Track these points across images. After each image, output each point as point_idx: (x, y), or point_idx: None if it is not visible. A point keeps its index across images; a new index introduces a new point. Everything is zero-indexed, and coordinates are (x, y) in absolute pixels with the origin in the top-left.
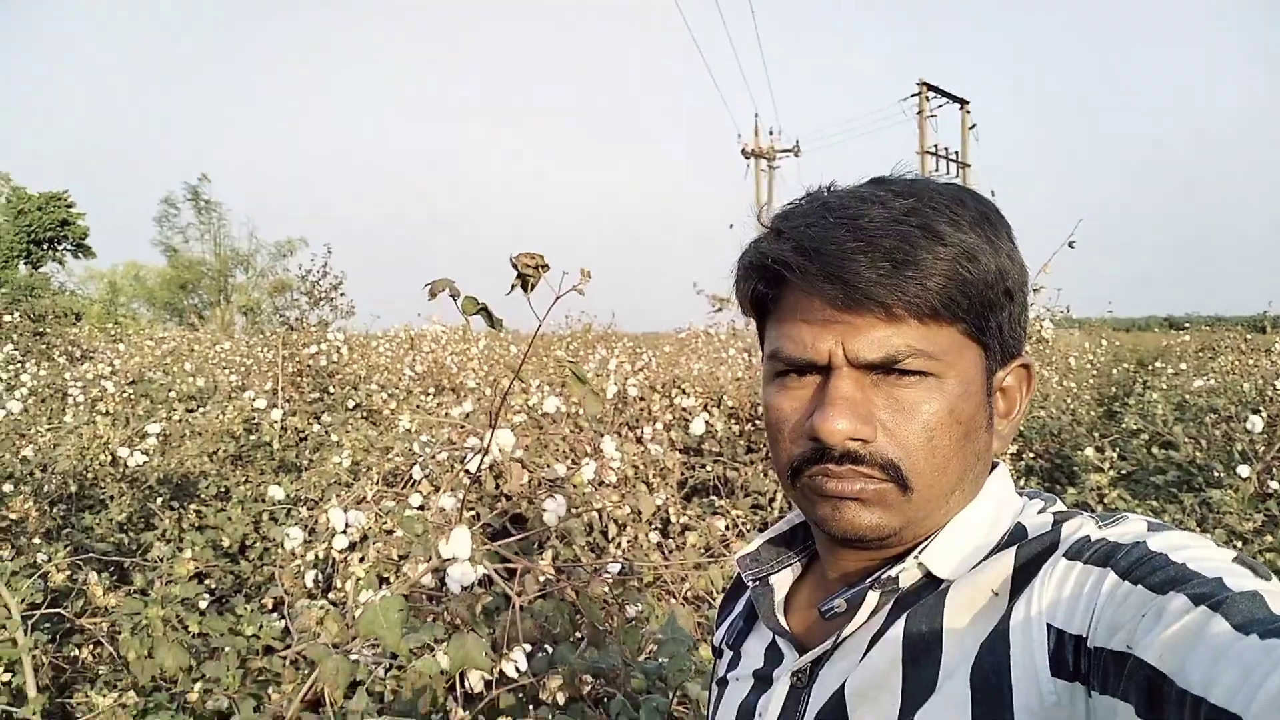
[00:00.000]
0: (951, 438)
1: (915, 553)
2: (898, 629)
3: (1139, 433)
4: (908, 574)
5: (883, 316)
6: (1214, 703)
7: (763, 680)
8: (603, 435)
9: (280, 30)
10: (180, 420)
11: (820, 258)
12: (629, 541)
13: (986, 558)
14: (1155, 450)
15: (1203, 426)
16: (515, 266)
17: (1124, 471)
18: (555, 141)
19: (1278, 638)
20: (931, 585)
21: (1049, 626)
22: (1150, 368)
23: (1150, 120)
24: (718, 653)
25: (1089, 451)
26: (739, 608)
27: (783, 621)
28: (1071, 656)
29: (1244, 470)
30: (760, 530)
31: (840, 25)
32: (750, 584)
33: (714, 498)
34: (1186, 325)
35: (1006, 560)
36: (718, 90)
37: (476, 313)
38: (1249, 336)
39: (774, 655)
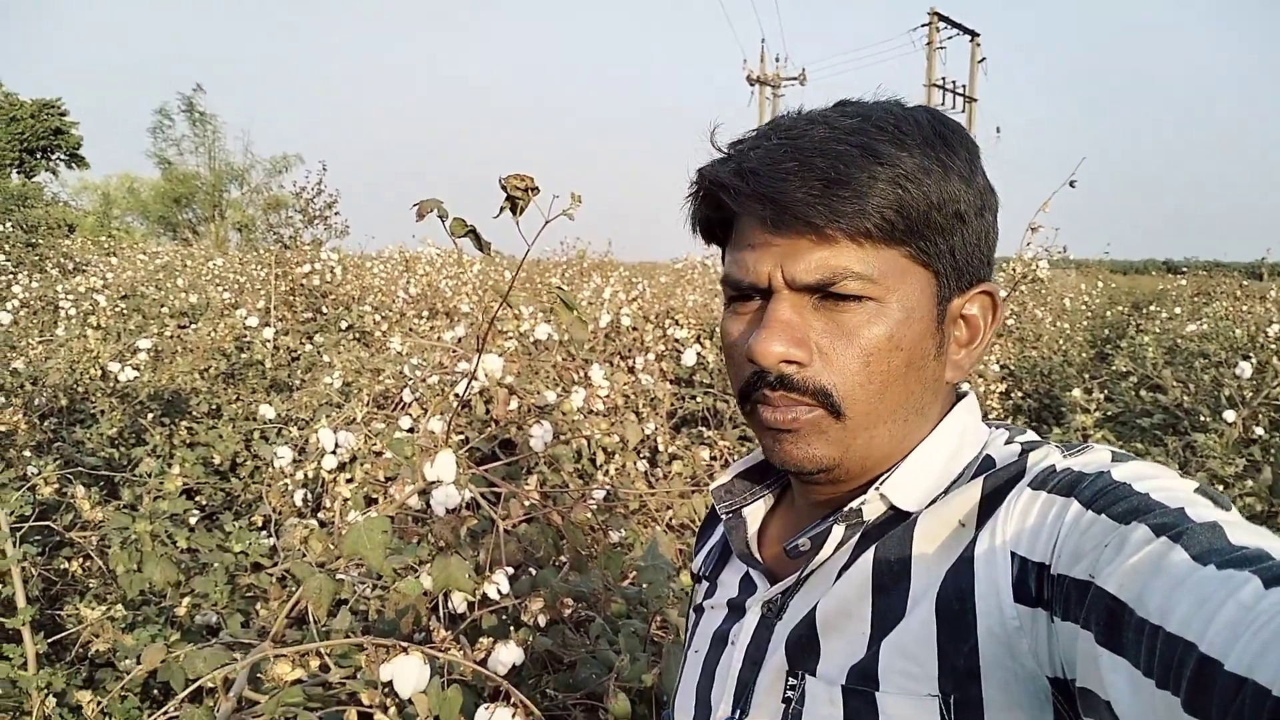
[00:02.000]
0: (890, 364)
1: (876, 484)
2: (866, 560)
3: (1128, 375)
4: (870, 506)
5: (816, 238)
6: (1170, 631)
7: (736, 609)
8: (592, 363)
9: None
10: (172, 336)
11: (754, 179)
12: (616, 469)
13: (952, 488)
14: (1143, 393)
15: (1192, 371)
16: (504, 188)
17: (1110, 413)
18: (557, 67)
19: (1234, 568)
20: (898, 518)
21: (1013, 554)
22: (1145, 311)
23: (1160, 66)
24: (696, 580)
25: (1076, 392)
26: (715, 537)
27: (755, 553)
28: (1034, 583)
29: (1230, 415)
30: None
31: None
32: (723, 516)
33: (703, 429)
34: (1184, 270)
35: (974, 490)
36: (724, 13)
37: (465, 234)
38: (1245, 283)
39: (747, 585)
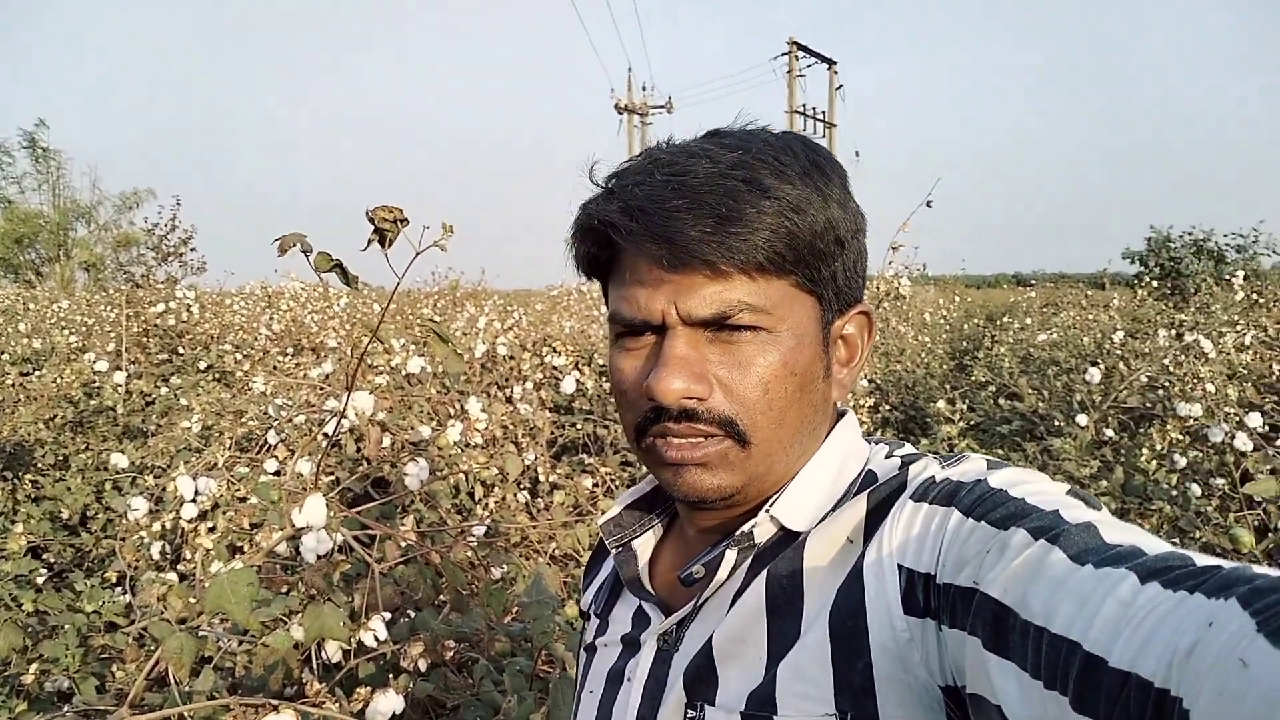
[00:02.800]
0: (787, 389)
1: (766, 506)
2: (759, 584)
3: (987, 385)
4: (761, 529)
5: (709, 274)
6: (1054, 631)
7: (630, 645)
8: (469, 395)
9: None
10: (13, 385)
11: (645, 217)
12: (496, 503)
13: (838, 505)
14: (1002, 401)
15: (1045, 378)
16: (372, 220)
17: (973, 422)
18: (424, 88)
19: (1110, 565)
20: (789, 539)
21: (899, 566)
22: (999, 323)
23: (1009, 85)
24: (585, 617)
25: (940, 404)
26: (604, 572)
27: (647, 585)
28: (922, 594)
29: (1082, 419)
30: (628, 488)
31: None
32: (613, 550)
33: (584, 456)
34: (1033, 282)
35: (859, 506)
36: (591, 43)
37: (330, 269)
38: (1089, 293)
39: (641, 619)
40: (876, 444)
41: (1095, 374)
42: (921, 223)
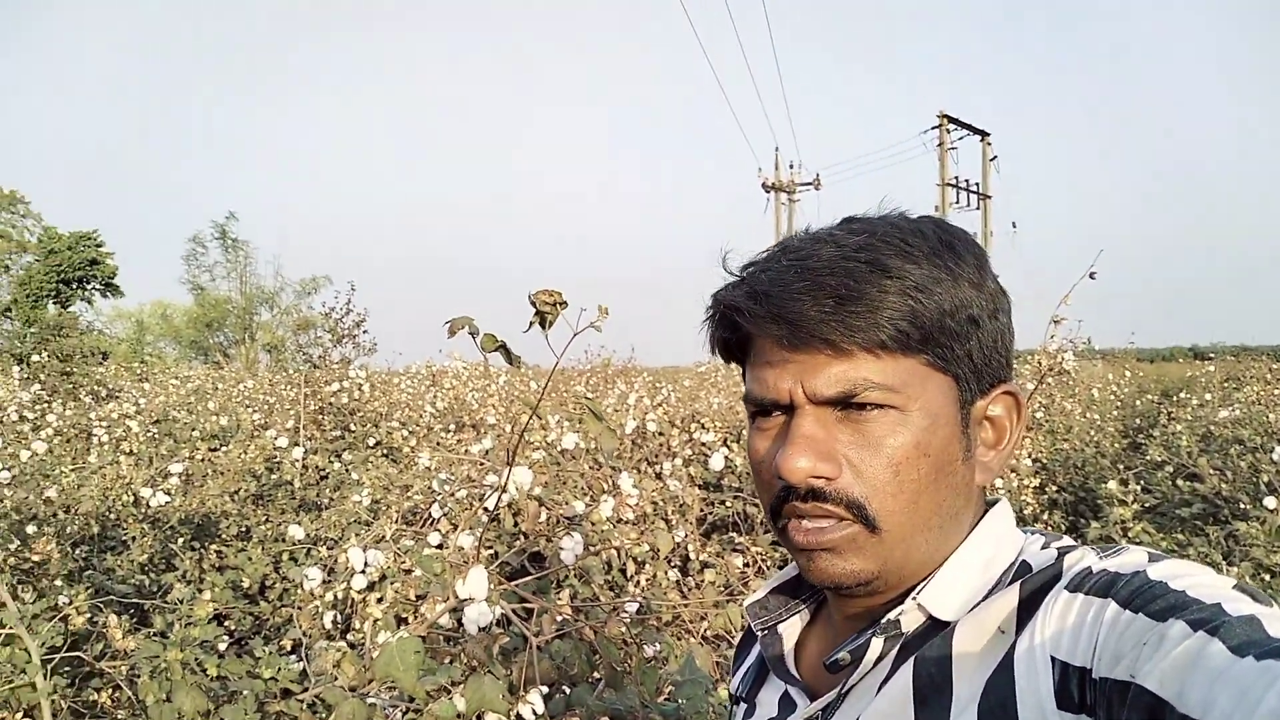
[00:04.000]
0: (920, 471)
1: (913, 594)
2: (906, 672)
3: (1163, 464)
4: (909, 617)
5: (831, 353)
6: None
7: None
8: (621, 471)
9: (304, 68)
10: (203, 459)
11: (768, 300)
12: (648, 580)
13: (990, 595)
14: (1180, 482)
15: (1228, 458)
16: (534, 304)
17: (1148, 505)
18: (578, 175)
19: (1273, 658)
20: (937, 627)
21: (1053, 659)
22: (1175, 398)
23: (1175, 148)
24: (734, 701)
25: (1112, 484)
26: (752, 656)
27: (793, 670)
28: (1077, 688)
29: (1270, 502)
30: (778, 568)
31: (862, 58)
32: (759, 633)
33: (733, 534)
34: (1211, 355)
35: (1011, 596)
36: (738, 124)
37: (495, 350)
38: (1275, 366)
39: (787, 704)
40: (1032, 534)
41: None
42: (1087, 294)
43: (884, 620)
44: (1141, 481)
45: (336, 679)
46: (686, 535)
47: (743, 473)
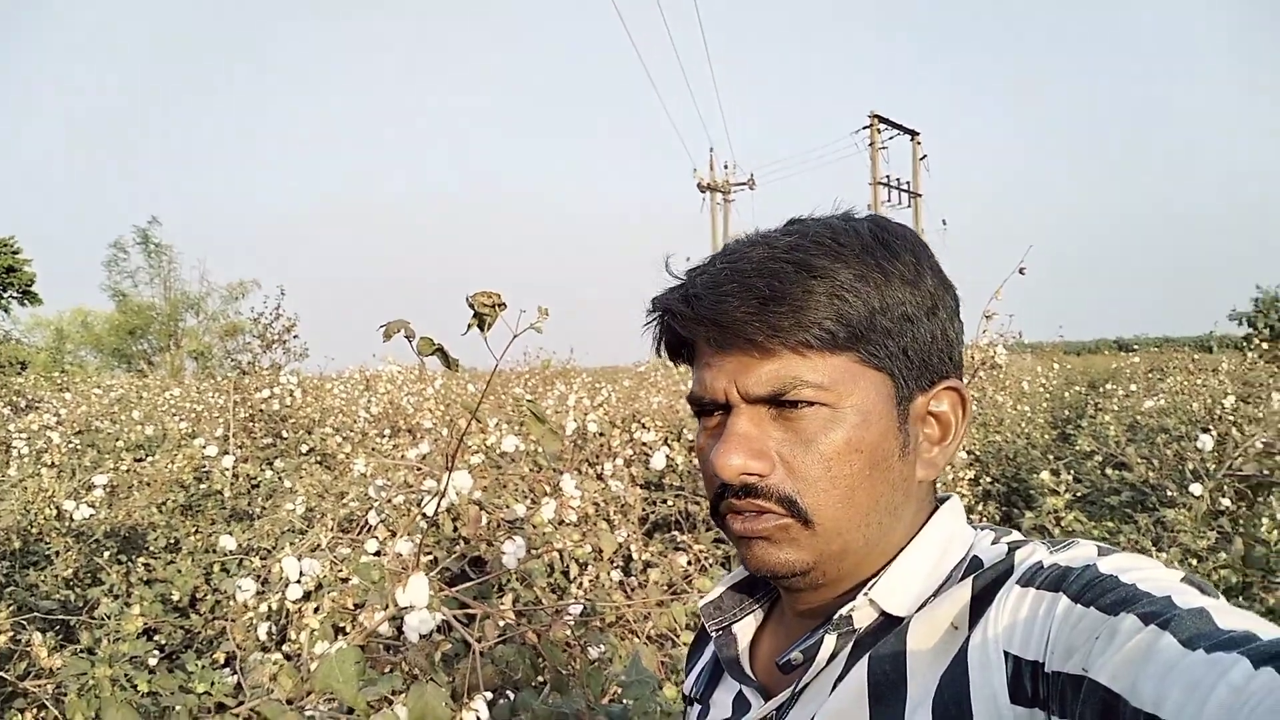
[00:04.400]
0: (852, 467)
1: (865, 590)
2: (860, 669)
3: (1093, 454)
4: (861, 613)
5: (758, 353)
6: (1164, 718)
7: None
8: (562, 473)
9: (228, 66)
10: (128, 470)
11: (698, 302)
12: (591, 581)
13: (941, 590)
14: (1109, 471)
15: (1154, 446)
16: (471, 306)
17: (1079, 494)
18: (509, 175)
19: (1223, 650)
20: (890, 624)
21: (1006, 654)
22: (1101, 390)
23: (1100, 146)
24: (688, 702)
25: (1044, 475)
26: (706, 656)
27: (747, 670)
28: (1030, 682)
29: (1196, 489)
30: (722, 566)
31: (794, 59)
32: (713, 634)
33: (675, 532)
34: (1135, 347)
35: (963, 591)
36: (673, 126)
37: (432, 353)
38: (1196, 356)
39: (741, 704)
40: (982, 529)
41: (1208, 441)
42: (1016, 289)
43: (836, 616)
44: (1072, 471)
45: (273, 692)
46: (629, 535)
47: (684, 471)
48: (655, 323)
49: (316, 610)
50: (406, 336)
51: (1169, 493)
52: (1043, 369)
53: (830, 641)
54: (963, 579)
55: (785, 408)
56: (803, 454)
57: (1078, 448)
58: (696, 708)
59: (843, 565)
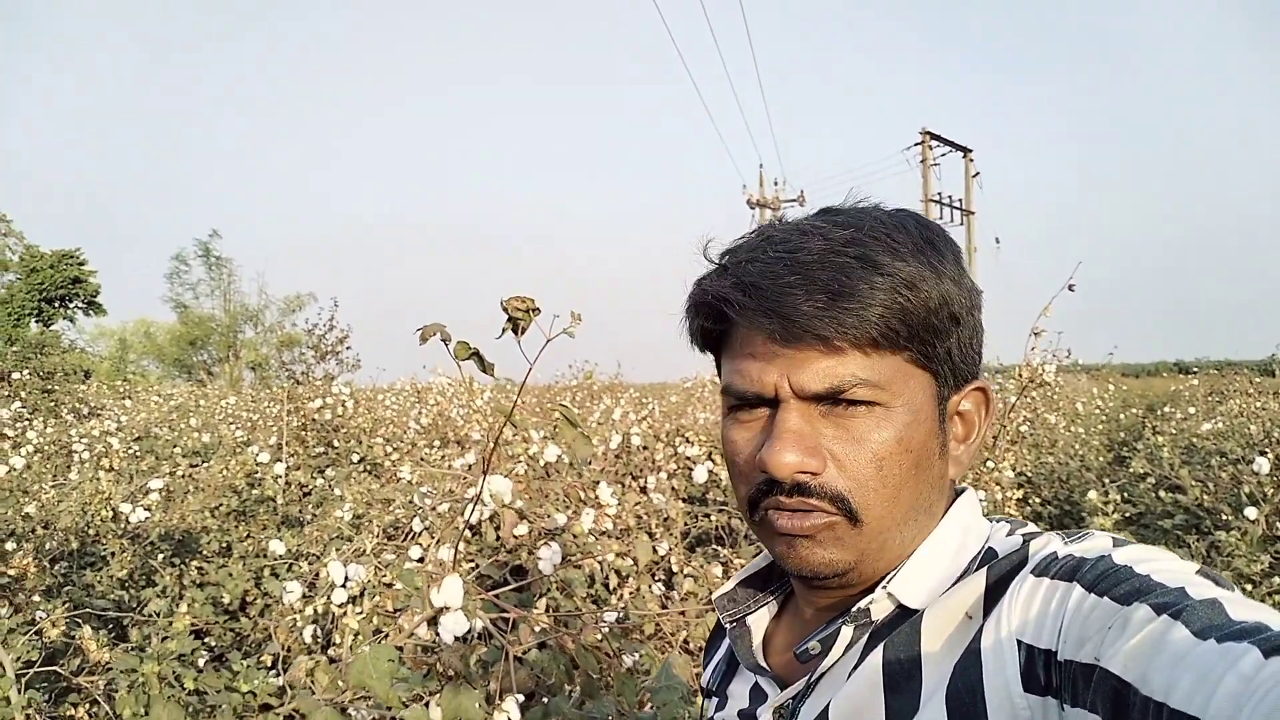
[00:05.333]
0: (902, 467)
1: (883, 583)
2: (875, 659)
3: (1146, 476)
4: (878, 605)
5: (823, 348)
6: (1174, 707)
7: (747, 719)
8: (600, 482)
9: (286, 80)
10: (184, 475)
11: (758, 293)
12: (631, 593)
13: (957, 582)
14: (1163, 494)
15: (1210, 470)
16: (505, 310)
17: (1130, 515)
18: (564, 194)
19: (1234, 640)
20: (905, 615)
21: (1019, 642)
22: (1159, 412)
23: (1155, 165)
24: (705, 694)
25: (1092, 495)
26: (722, 650)
27: (761, 661)
28: (1043, 671)
29: (1251, 512)
30: None
31: (845, 75)
32: (728, 626)
33: (717, 547)
34: (1195, 370)
35: (978, 582)
36: (723, 142)
37: (469, 357)
38: (1257, 379)
39: (757, 695)
40: (998, 522)
41: (1264, 464)
42: (1069, 308)
43: (854, 609)
44: (1124, 493)
45: (311, 689)
46: (670, 548)
47: (726, 486)
48: (697, 307)
49: (360, 614)
50: (443, 340)
51: (1223, 516)
52: (1098, 390)
53: (847, 632)
54: (978, 570)
55: (838, 405)
56: (855, 453)
57: (1131, 470)
58: (714, 700)
59: (878, 564)
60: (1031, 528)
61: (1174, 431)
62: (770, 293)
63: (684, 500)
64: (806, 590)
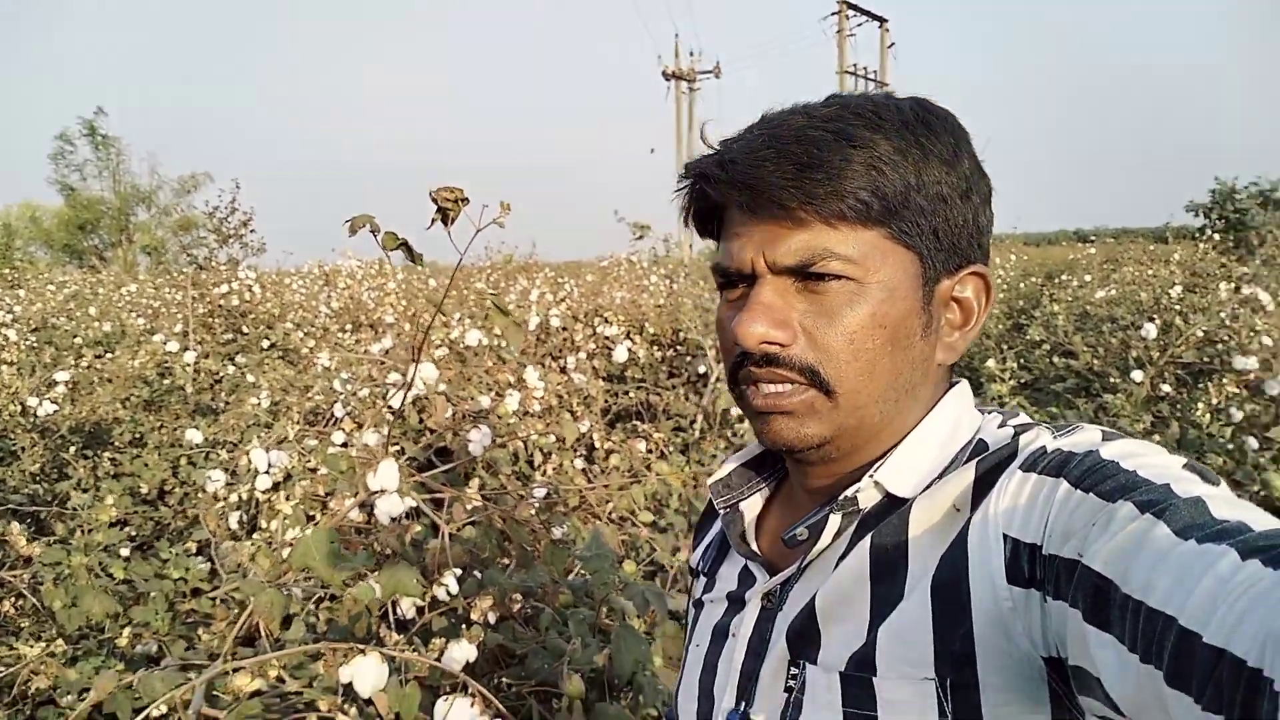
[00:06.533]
0: (875, 342)
1: (870, 471)
2: (863, 547)
3: (1041, 343)
4: (865, 494)
5: (792, 223)
6: (1151, 605)
7: (736, 602)
8: (526, 366)
9: None
10: (88, 367)
11: (733, 167)
12: (554, 469)
13: (946, 473)
14: (1056, 359)
15: (1101, 335)
16: (435, 200)
17: (1025, 380)
18: (471, 66)
19: (1213, 542)
20: (894, 505)
21: (1005, 536)
22: (1057, 281)
23: (1062, 35)
24: (694, 574)
25: (990, 363)
26: (712, 532)
27: (753, 545)
28: (1027, 564)
29: (1138, 375)
30: (680, 452)
31: None
32: (720, 511)
33: (637, 423)
34: (1093, 238)
35: (967, 474)
36: (637, 10)
37: (397, 247)
38: (1151, 247)
39: (746, 578)
40: (990, 413)
41: (1151, 329)
42: None
43: (841, 497)
44: (1021, 359)
45: (249, 574)
46: (591, 426)
47: (645, 364)
48: (687, 189)
49: (288, 498)
50: (372, 231)
51: (1112, 379)
52: (1000, 260)
53: (835, 521)
54: (967, 462)
55: (811, 280)
56: (826, 326)
57: (1028, 337)
58: (703, 580)
59: (857, 439)
60: (1023, 418)
61: (1069, 299)
62: (743, 166)
63: (603, 379)
64: (797, 471)
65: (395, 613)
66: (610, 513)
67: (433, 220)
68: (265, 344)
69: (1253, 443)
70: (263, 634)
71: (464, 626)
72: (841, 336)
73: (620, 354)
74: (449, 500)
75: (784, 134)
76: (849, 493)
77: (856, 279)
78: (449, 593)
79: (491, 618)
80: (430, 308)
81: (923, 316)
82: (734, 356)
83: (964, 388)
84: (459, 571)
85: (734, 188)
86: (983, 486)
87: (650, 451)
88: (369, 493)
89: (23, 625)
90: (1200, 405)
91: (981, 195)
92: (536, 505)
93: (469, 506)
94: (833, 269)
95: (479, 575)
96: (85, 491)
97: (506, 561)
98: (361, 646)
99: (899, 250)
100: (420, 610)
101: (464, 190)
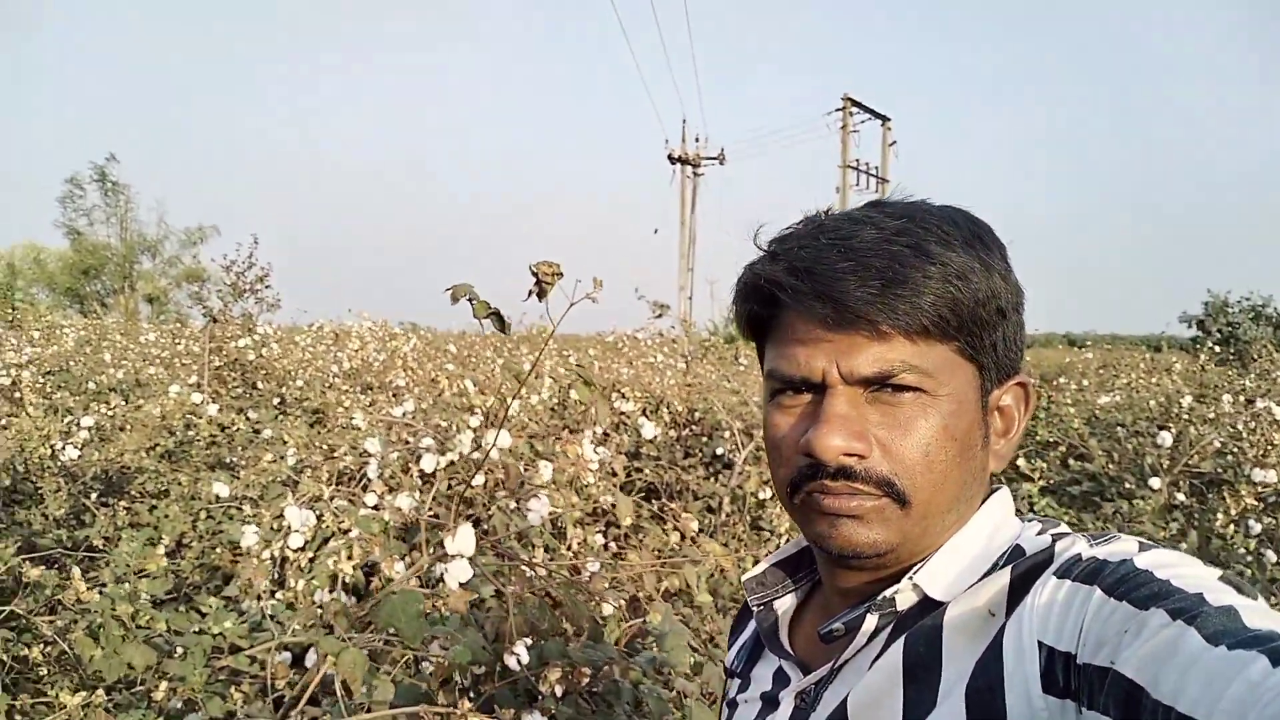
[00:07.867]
0: (947, 454)
1: (910, 573)
2: (897, 650)
3: (1055, 445)
4: (903, 595)
5: (873, 335)
6: (1181, 711)
7: (770, 702)
8: (555, 437)
9: (195, 10)
10: (113, 413)
11: (812, 278)
12: (579, 542)
13: (983, 577)
14: (1071, 462)
15: (1115, 440)
16: (534, 274)
17: (1042, 485)
18: (480, 138)
19: (1244, 648)
20: (930, 607)
21: (1040, 644)
22: (1054, 383)
23: (1057, 145)
24: (730, 674)
25: (1020, 461)
26: (747, 632)
27: (786, 645)
28: (1062, 674)
29: (1155, 482)
30: (709, 535)
31: (772, 38)
32: (755, 608)
33: (666, 501)
34: (1087, 343)
35: (1002, 579)
36: (649, 95)
37: (488, 316)
38: (1147, 355)
39: (780, 678)
40: (1030, 521)
41: (1167, 438)
42: None
43: (879, 598)
44: (1030, 460)
45: (288, 633)
46: (614, 501)
47: (661, 443)
48: (748, 292)
49: (313, 560)
50: (469, 300)
51: (1128, 485)
52: None
53: (872, 621)
54: (1003, 567)
55: (885, 391)
56: (901, 438)
57: (1038, 438)
58: (737, 681)
59: (916, 548)
60: (1062, 528)
61: (1071, 403)
62: (824, 278)
63: (625, 455)
64: (835, 570)
65: (463, 679)
66: (650, 592)
67: (530, 293)
68: (275, 400)
69: (1272, 556)
70: (338, 694)
71: (532, 698)
72: (917, 448)
73: (648, 431)
74: (510, 568)
75: (859, 246)
76: (887, 594)
77: (929, 391)
78: (519, 662)
79: (558, 690)
80: (450, 376)
81: (983, 428)
82: (799, 467)
83: (1005, 494)
84: (529, 641)
85: (816, 299)
86: (1018, 591)
87: (682, 540)
88: (445, 555)
89: (43, 673)
90: (1220, 515)
91: (1023, 307)
92: (589, 578)
93: (527, 575)
94: (909, 381)
95: (541, 645)
96: (108, 540)
97: (561, 632)
98: (440, 710)
99: (965, 364)
100: (488, 676)
101: (560, 265)
